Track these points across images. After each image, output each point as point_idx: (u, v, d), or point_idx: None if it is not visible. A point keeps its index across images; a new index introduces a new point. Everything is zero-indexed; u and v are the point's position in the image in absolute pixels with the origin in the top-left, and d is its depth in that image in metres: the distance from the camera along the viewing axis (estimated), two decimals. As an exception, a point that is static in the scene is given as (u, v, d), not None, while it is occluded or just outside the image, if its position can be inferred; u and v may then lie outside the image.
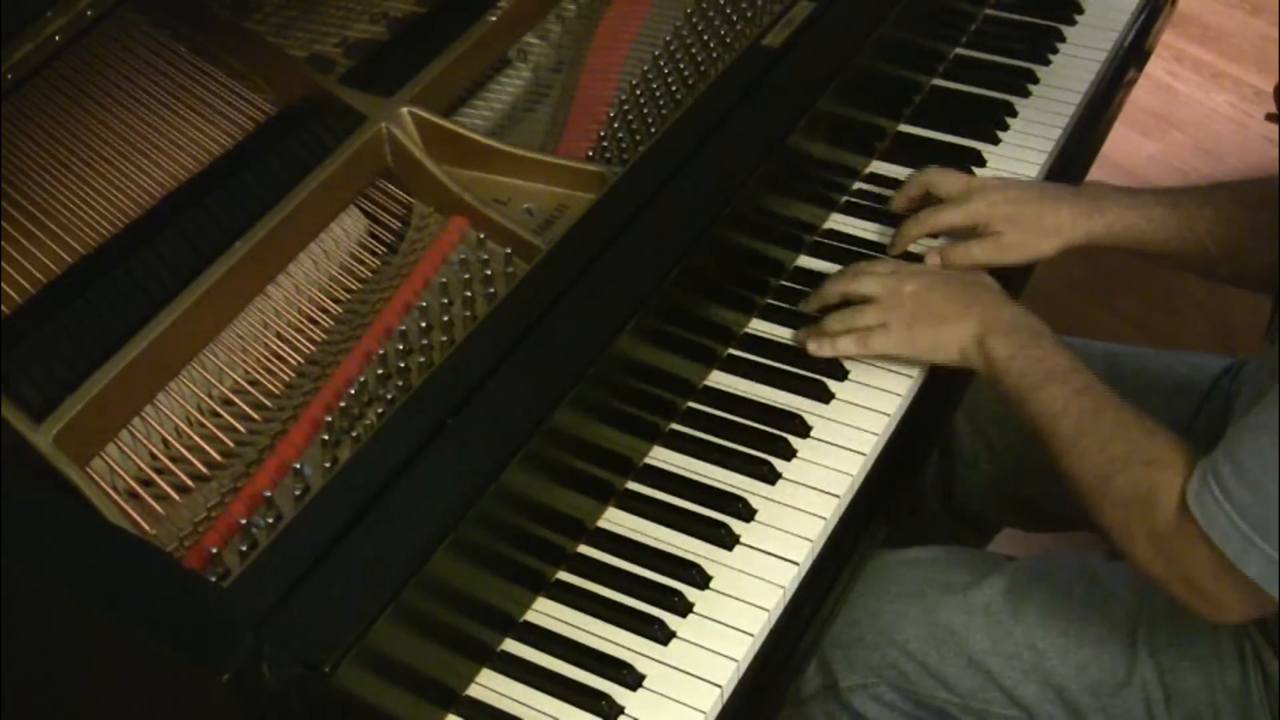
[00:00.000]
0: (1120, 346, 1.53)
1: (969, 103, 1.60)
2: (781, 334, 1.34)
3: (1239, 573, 1.04)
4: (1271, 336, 1.23)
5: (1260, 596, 1.05)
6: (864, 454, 1.24)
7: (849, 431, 1.26)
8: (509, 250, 1.22)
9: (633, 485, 1.22)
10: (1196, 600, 1.09)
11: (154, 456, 1.08)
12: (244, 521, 1.02)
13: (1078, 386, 1.18)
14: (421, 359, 1.14)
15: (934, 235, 1.41)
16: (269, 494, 1.03)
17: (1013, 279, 1.47)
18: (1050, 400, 1.18)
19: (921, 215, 1.39)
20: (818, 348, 1.29)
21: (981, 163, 1.52)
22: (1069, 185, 1.44)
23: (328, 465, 1.07)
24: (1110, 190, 1.40)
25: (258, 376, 1.14)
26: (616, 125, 1.35)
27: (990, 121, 1.56)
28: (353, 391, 1.11)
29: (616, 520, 1.20)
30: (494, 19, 1.38)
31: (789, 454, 1.24)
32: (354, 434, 1.08)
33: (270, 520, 1.03)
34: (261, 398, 1.13)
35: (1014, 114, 1.58)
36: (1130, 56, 1.70)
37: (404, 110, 1.27)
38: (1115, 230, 1.36)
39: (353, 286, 1.22)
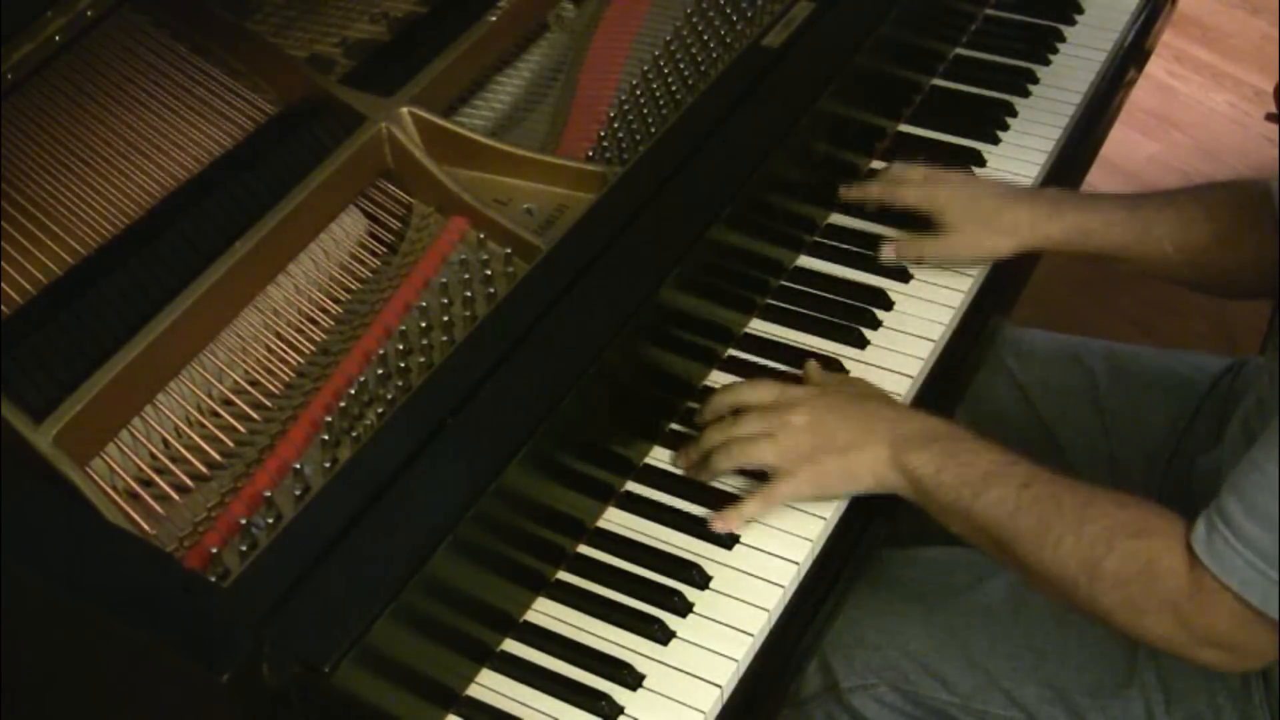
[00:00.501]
0: (1120, 346, 1.53)
1: (969, 103, 1.60)
2: (781, 334, 1.34)
3: (1265, 616, 1.00)
4: (1271, 351, 1.22)
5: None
6: (864, 454, 1.24)
7: (849, 431, 1.26)
8: (509, 250, 1.22)
9: (632, 485, 1.22)
10: (1223, 657, 1.06)
11: (154, 456, 1.08)
12: (244, 521, 1.02)
13: (1022, 479, 1.11)
14: (421, 359, 1.14)
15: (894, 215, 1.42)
16: (269, 494, 1.03)
17: (1015, 276, 1.47)
18: (999, 502, 1.11)
19: (884, 181, 1.41)
20: (723, 523, 1.17)
21: (981, 163, 1.52)
22: (1032, 189, 1.44)
23: (328, 465, 1.07)
24: (1069, 194, 1.39)
25: (258, 377, 1.14)
26: (616, 125, 1.34)
27: (990, 121, 1.56)
28: (353, 391, 1.11)
29: (616, 520, 1.20)
30: (494, 19, 1.38)
31: (789, 454, 1.24)
32: (354, 434, 1.08)
33: (270, 520, 1.03)
34: (261, 398, 1.13)
35: (1014, 114, 1.58)
36: (1130, 56, 1.70)
37: (404, 110, 1.27)
38: (1072, 235, 1.34)
39: (353, 286, 1.22)
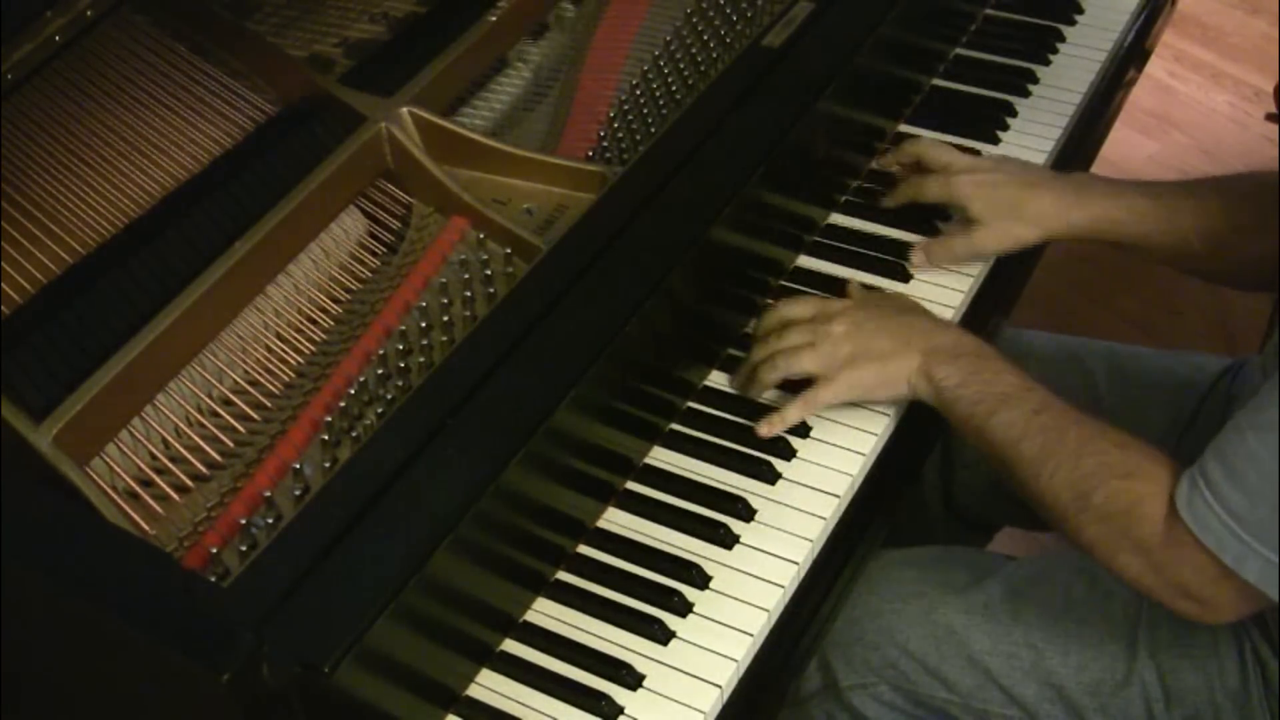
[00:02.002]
0: (1120, 346, 1.53)
1: (969, 103, 1.60)
2: (781, 334, 1.34)
3: (1235, 576, 1.03)
4: (1270, 346, 1.22)
5: (1256, 596, 1.05)
6: (864, 454, 1.24)
7: (849, 432, 1.26)
8: (509, 250, 1.22)
9: (633, 485, 1.22)
10: (1190, 606, 1.09)
11: (154, 457, 1.08)
12: (244, 521, 1.02)
13: (1034, 405, 1.16)
14: (421, 359, 1.14)
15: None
16: (269, 494, 1.03)
17: (1015, 276, 1.47)
18: (1009, 424, 1.15)
19: (906, 183, 1.41)
20: (768, 428, 1.23)
21: (981, 163, 1.51)
22: (1057, 173, 1.43)
23: (328, 465, 1.07)
24: (1095, 180, 1.39)
25: (257, 377, 1.14)
26: (616, 125, 1.35)
27: (990, 121, 1.56)
28: (353, 391, 1.11)
29: (616, 520, 1.20)
30: (494, 19, 1.38)
31: (789, 454, 1.24)
32: (354, 434, 1.08)
33: (270, 520, 1.03)
34: (261, 398, 1.13)
35: (1014, 114, 1.58)
36: (1130, 56, 1.70)
37: (404, 110, 1.27)
38: (1098, 223, 1.35)
39: (353, 286, 1.22)
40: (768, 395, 1.26)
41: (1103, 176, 1.41)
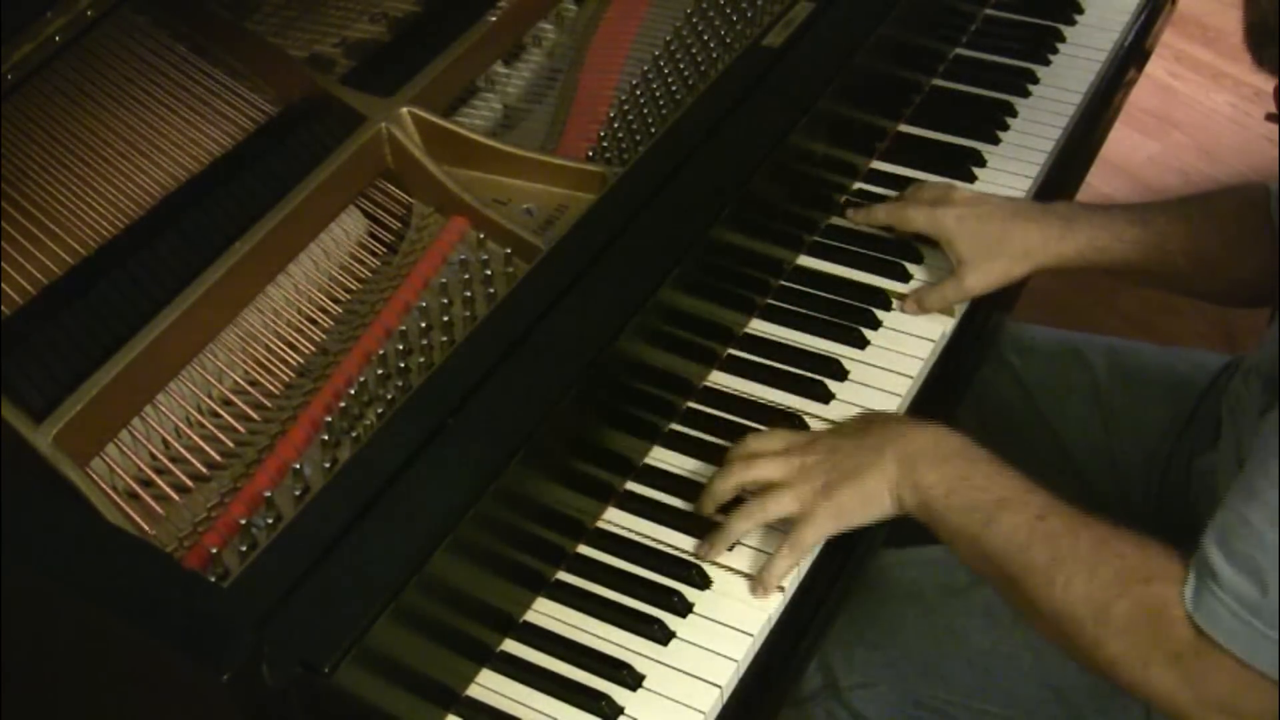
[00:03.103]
0: (1121, 342, 1.53)
1: (969, 103, 1.59)
2: (781, 334, 1.34)
3: (1265, 680, 0.95)
4: (1270, 349, 1.22)
5: None
6: (864, 454, 1.24)
7: (849, 431, 1.26)
8: (509, 250, 1.22)
9: (633, 485, 1.22)
10: None
11: (154, 457, 1.08)
12: (244, 521, 1.02)
13: (1037, 510, 1.06)
14: (421, 359, 1.14)
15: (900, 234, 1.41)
16: (269, 494, 1.03)
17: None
18: (1011, 532, 1.05)
19: (892, 205, 1.39)
20: (762, 592, 1.13)
21: (982, 162, 1.51)
22: (1041, 204, 1.41)
23: (328, 465, 1.07)
24: (1081, 210, 1.37)
25: (258, 377, 1.14)
26: (616, 125, 1.35)
27: (990, 121, 1.56)
28: (353, 391, 1.11)
29: (616, 520, 1.20)
30: (494, 19, 1.38)
31: (789, 454, 1.24)
32: (354, 434, 1.08)
33: (270, 520, 1.03)
34: (261, 398, 1.13)
35: (1014, 114, 1.57)
36: (1130, 56, 1.70)
37: (404, 110, 1.27)
38: (1086, 252, 1.32)
39: (353, 286, 1.22)
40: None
41: (1088, 205, 1.39)
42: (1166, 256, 1.31)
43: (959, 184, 1.42)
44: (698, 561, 1.16)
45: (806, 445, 1.15)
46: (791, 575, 1.15)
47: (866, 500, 1.13)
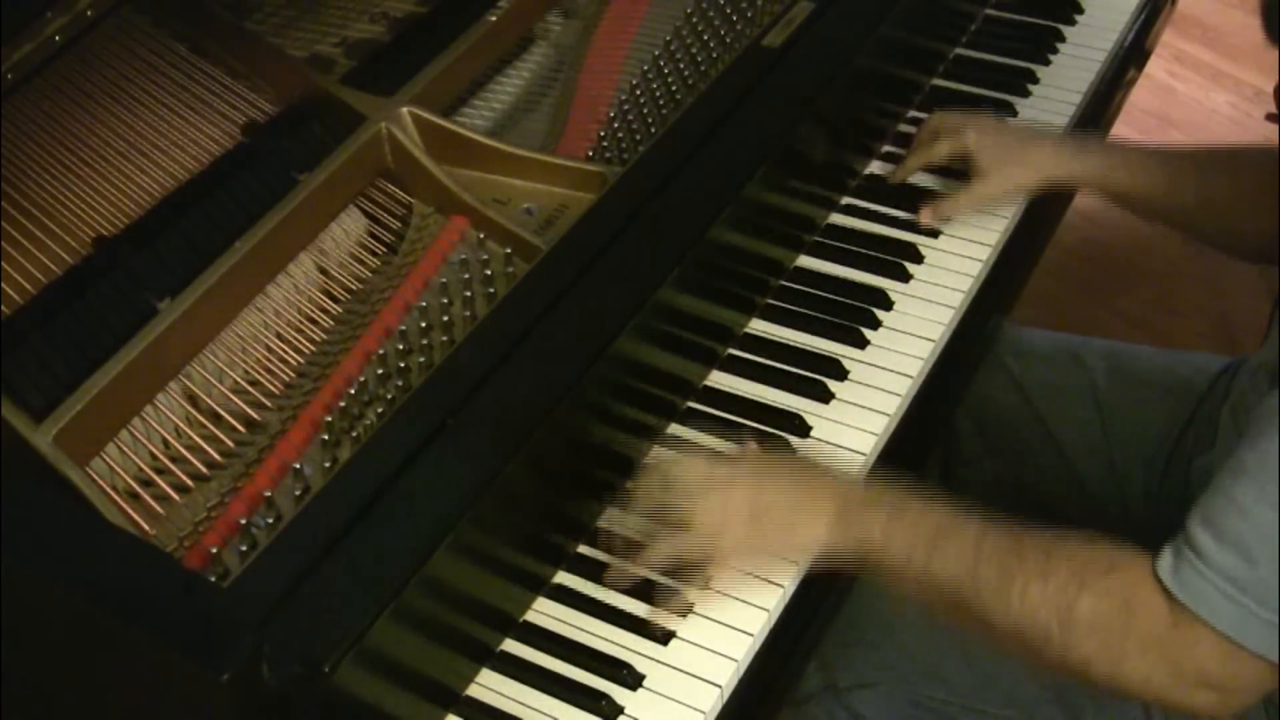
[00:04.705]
0: (1120, 345, 1.53)
1: (969, 103, 1.59)
2: (781, 334, 1.34)
3: (1245, 651, 0.95)
4: (1270, 349, 1.22)
5: (1272, 673, 0.97)
6: (864, 454, 1.24)
7: (849, 432, 1.26)
8: (509, 250, 1.22)
9: (633, 485, 1.22)
10: (1208, 696, 0.99)
11: (154, 457, 1.08)
12: (244, 521, 1.02)
13: (974, 534, 1.05)
14: (421, 359, 1.14)
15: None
16: (269, 494, 1.03)
17: (1015, 275, 1.48)
18: (957, 558, 1.04)
19: (916, 152, 1.46)
20: (664, 625, 1.10)
21: (981, 163, 1.51)
22: (1060, 129, 1.49)
23: (328, 465, 1.07)
24: (1096, 138, 1.44)
25: (258, 376, 1.14)
26: (616, 125, 1.35)
27: (990, 121, 1.56)
28: (353, 391, 1.11)
29: (616, 520, 1.20)
30: (494, 19, 1.38)
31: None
32: (354, 434, 1.08)
33: (270, 520, 1.03)
34: (261, 398, 1.13)
35: (1014, 114, 1.58)
36: (1130, 56, 1.70)
37: (404, 110, 1.27)
38: (1096, 173, 1.38)
39: (353, 286, 1.22)
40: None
41: (1110, 138, 1.44)
42: (1178, 194, 1.35)
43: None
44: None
45: (720, 485, 1.11)
46: (791, 574, 1.15)
47: (791, 548, 1.12)
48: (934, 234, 1.43)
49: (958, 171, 1.45)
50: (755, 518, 1.10)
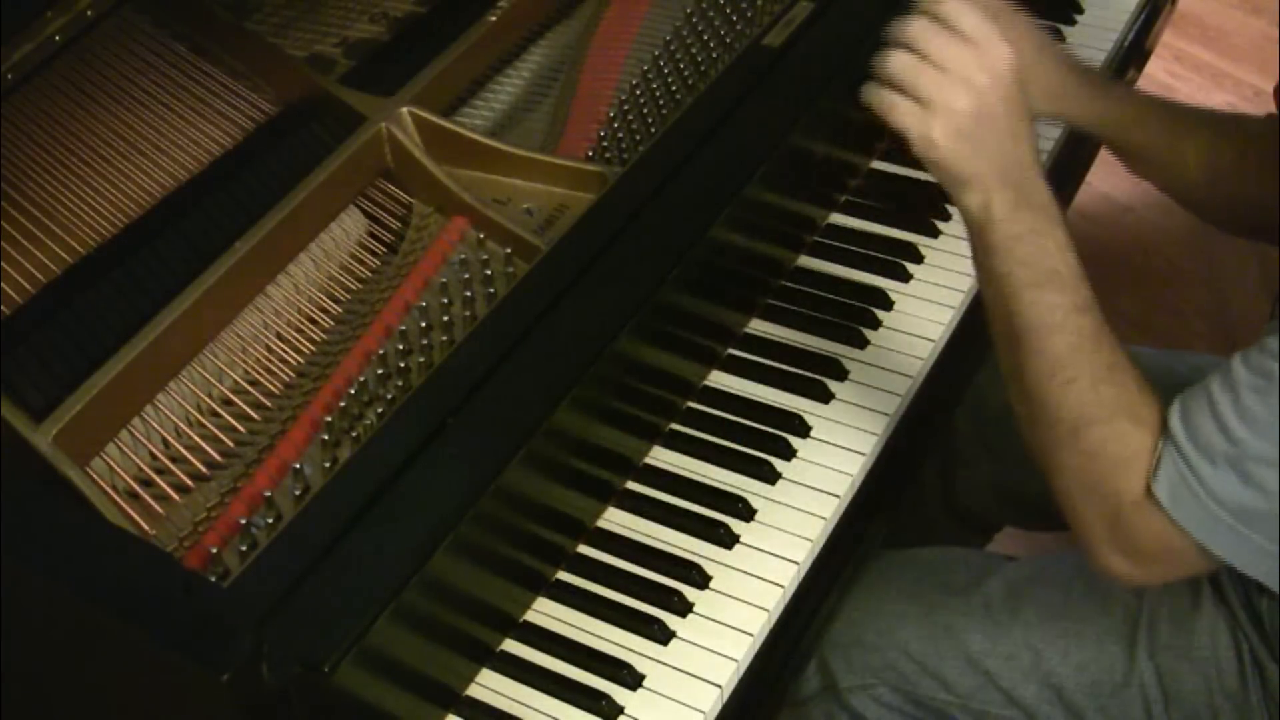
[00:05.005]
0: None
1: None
2: (781, 334, 1.34)
3: (1191, 543, 1.00)
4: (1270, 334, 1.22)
5: (1198, 564, 1.02)
6: (864, 454, 1.24)
7: (849, 432, 1.26)
8: (509, 250, 1.22)
9: (633, 485, 1.22)
10: (1126, 566, 1.05)
11: (154, 456, 1.08)
12: (244, 521, 1.02)
13: (1080, 301, 1.04)
14: (421, 359, 1.14)
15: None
16: (269, 494, 1.03)
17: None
18: (1048, 308, 1.03)
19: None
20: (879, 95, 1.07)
21: (981, 163, 1.51)
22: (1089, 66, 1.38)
23: (328, 465, 1.07)
24: (1116, 81, 1.38)
25: (258, 376, 1.14)
26: (616, 125, 1.35)
27: (990, 121, 1.56)
28: (353, 391, 1.11)
29: (616, 520, 1.20)
30: (494, 19, 1.38)
31: (789, 454, 1.24)
32: (354, 434, 1.08)
33: (270, 520, 1.03)
34: (261, 398, 1.13)
35: (1014, 114, 1.57)
36: (1130, 56, 1.70)
37: (404, 110, 1.27)
38: (1109, 117, 1.31)
39: (353, 286, 1.22)
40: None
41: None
42: (1178, 153, 1.31)
43: None
44: (698, 561, 1.16)
45: (971, 79, 1.05)
46: (791, 574, 1.15)
47: (952, 175, 1.06)
48: (934, 234, 1.43)
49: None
50: (966, 121, 1.05)
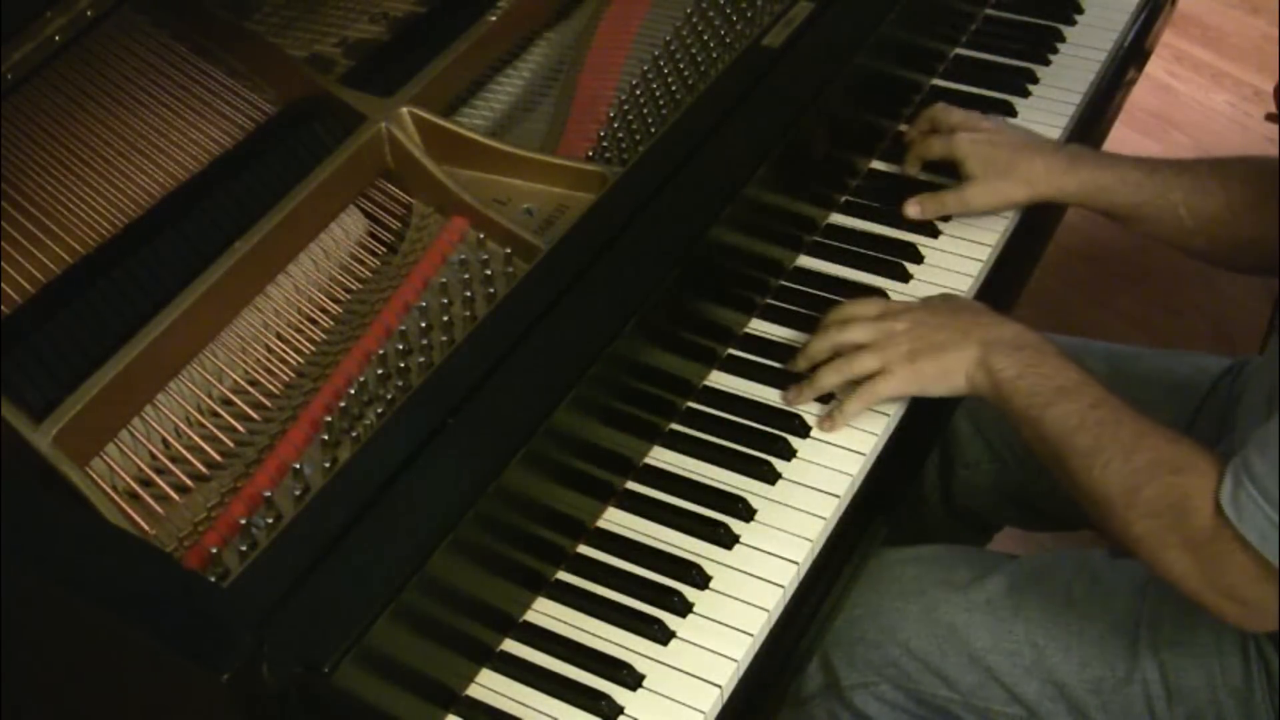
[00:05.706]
0: (1120, 346, 1.53)
1: (969, 103, 1.59)
2: (781, 334, 1.34)
3: (1270, 568, 1.03)
4: (1271, 351, 1.23)
5: None
6: (864, 454, 1.24)
7: (849, 431, 1.26)
8: (509, 250, 1.22)
9: (633, 485, 1.22)
10: (1234, 609, 1.09)
11: (154, 457, 1.08)
12: (244, 521, 1.02)
13: (1091, 400, 1.16)
14: (421, 359, 1.14)
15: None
16: (269, 494, 1.03)
17: (1015, 276, 1.47)
18: (1065, 416, 1.15)
19: (915, 145, 1.46)
20: (830, 424, 1.25)
21: (981, 162, 1.51)
22: (1055, 142, 1.48)
23: (328, 465, 1.07)
24: (1090, 151, 1.44)
25: (257, 376, 1.14)
26: (616, 125, 1.35)
27: (990, 121, 1.56)
28: (353, 391, 1.11)
29: (616, 520, 1.20)
30: (494, 19, 1.38)
31: (789, 454, 1.24)
32: (354, 434, 1.08)
33: (270, 520, 1.03)
34: (261, 398, 1.13)
35: (1014, 114, 1.57)
36: (1130, 56, 1.70)
37: (404, 110, 1.27)
38: (1088, 188, 1.38)
39: (353, 286, 1.22)
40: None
41: (1096, 150, 1.46)
42: (1168, 206, 1.36)
43: (979, 114, 1.48)
44: (698, 561, 1.16)
45: (898, 314, 1.26)
46: (791, 574, 1.15)
47: (944, 373, 1.23)
48: (934, 234, 1.43)
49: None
50: (914, 347, 1.23)
